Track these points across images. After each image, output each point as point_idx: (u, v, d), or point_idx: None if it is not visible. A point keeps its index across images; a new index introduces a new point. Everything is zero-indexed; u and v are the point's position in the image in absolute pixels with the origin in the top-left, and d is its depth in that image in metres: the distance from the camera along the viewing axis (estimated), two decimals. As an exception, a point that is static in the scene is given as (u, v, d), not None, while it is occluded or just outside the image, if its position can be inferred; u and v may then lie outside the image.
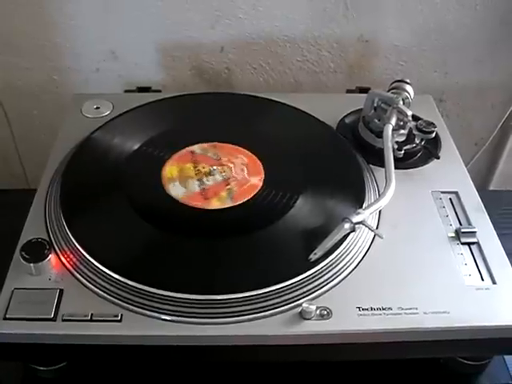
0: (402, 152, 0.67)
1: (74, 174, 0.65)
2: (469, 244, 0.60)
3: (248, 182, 0.65)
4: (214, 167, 0.66)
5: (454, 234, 0.61)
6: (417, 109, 0.70)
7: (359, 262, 0.57)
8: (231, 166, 0.67)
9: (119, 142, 0.69)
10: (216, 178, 0.65)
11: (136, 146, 0.69)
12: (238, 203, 0.62)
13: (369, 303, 0.54)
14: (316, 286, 0.55)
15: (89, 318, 0.52)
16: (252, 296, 0.53)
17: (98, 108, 0.76)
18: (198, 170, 0.66)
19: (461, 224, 0.63)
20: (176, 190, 0.63)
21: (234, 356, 0.55)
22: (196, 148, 0.69)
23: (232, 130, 0.72)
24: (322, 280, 0.55)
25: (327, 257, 0.56)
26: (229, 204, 0.62)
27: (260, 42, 0.90)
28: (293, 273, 0.54)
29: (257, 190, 0.64)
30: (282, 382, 0.60)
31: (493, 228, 0.62)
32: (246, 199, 0.62)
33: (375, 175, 0.67)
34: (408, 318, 0.53)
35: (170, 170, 0.66)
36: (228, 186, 0.64)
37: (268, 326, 0.52)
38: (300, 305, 0.53)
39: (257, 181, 0.65)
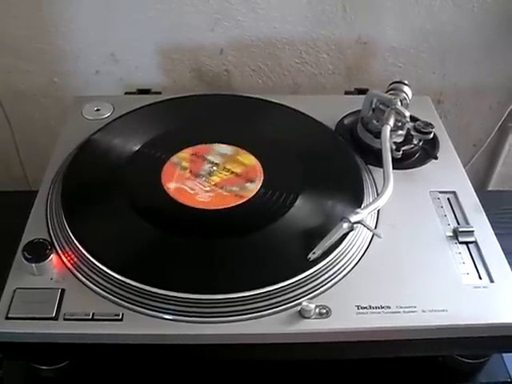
0: (400, 152, 0.68)
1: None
2: (467, 243, 0.61)
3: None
4: (214, 168, 0.67)
5: (451, 234, 0.61)
6: (415, 110, 0.70)
7: (358, 261, 0.58)
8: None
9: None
10: (216, 178, 0.66)
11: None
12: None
13: (367, 302, 0.54)
14: (315, 285, 0.55)
15: (90, 317, 0.52)
16: (252, 295, 0.53)
17: (98, 110, 0.77)
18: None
19: (459, 223, 0.63)
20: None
21: (234, 355, 0.55)
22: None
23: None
24: (321, 279, 0.55)
25: (326, 256, 0.56)
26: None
27: (259, 44, 0.91)
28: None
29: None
30: (282, 380, 0.61)
31: (490, 227, 0.62)
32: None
33: (374, 175, 0.68)
34: (406, 317, 0.53)
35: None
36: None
37: (268, 325, 0.52)
38: (299, 303, 0.53)
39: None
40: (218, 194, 0.63)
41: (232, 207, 0.62)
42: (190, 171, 0.66)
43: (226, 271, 0.56)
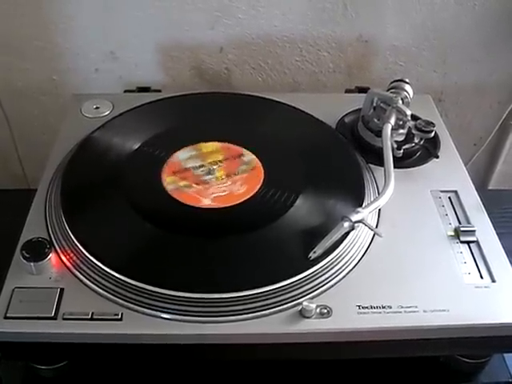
0: (401, 151, 0.68)
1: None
2: (468, 242, 0.60)
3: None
4: (214, 166, 0.67)
5: (453, 233, 0.61)
6: (416, 108, 0.70)
7: (359, 261, 0.58)
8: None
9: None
10: (216, 177, 0.65)
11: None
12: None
13: (368, 301, 0.54)
14: (316, 285, 0.55)
15: (89, 316, 0.52)
16: (252, 295, 0.53)
17: (97, 108, 0.77)
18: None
19: (460, 223, 0.63)
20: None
21: (235, 354, 0.55)
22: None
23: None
24: (321, 278, 0.55)
25: (327, 255, 0.56)
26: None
27: (259, 42, 0.90)
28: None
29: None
30: (283, 380, 0.60)
31: (492, 227, 0.62)
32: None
33: (374, 174, 0.68)
34: (408, 316, 0.53)
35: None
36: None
37: (268, 325, 0.52)
38: (300, 303, 0.53)
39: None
40: (217, 192, 0.63)
41: (232, 206, 0.62)
42: (190, 170, 0.66)
43: (227, 270, 0.56)
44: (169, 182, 0.64)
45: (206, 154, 0.68)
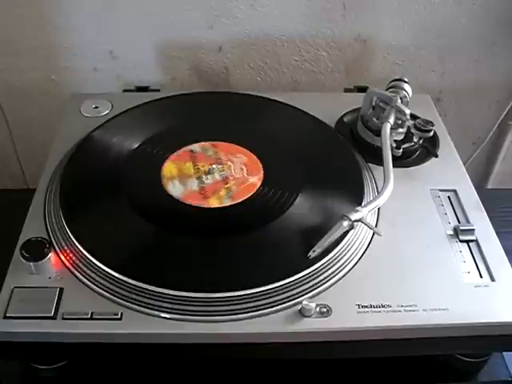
0: (401, 150, 0.68)
1: (73, 173, 0.65)
2: (467, 242, 0.61)
3: (247, 180, 0.65)
4: (213, 166, 0.67)
5: (452, 232, 0.61)
6: (415, 108, 0.70)
7: (358, 260, 0.58)
8: (230, 164, 0.67)
9: (118, 141, 0.70)
10: (215, 176, 0.65)
11: (135, 145, 0.69)
12: (237, 202, 0.62)
13: (368, 300, 0.54)
14: (315, 284, 0.55)
15: (89, 316, 0.52)
16: (252, 293, 0.53)
17: (96, 107, 0.76)
18: (197, 168, 0.66)
19: (459, 222, 0.63)
20: (175, 189, 0.63)
21: (234, 354, 0.55)
22: (195, 147, 0.69)
23: (230, 129, 0.72)
24: (321, 277, 0.55)
25: (326, 254, 0.56)
26: (228, 203, 0.62)
27: (258, 41, 0.90)
28: (292, 270, 0.55)
29: (256, 189, 0.64)
30: (282, 380, 0.60)
31: (491, 226, 0.62)
32: (245, 198, 0.63)
33: (374, 173, 0.68)
34: (407, 315, 0.53)
35: (169, 168, 0.66)
36: (227, 185, 0.64)
37: (268, 324, 0.52)
38: (300, 302, 0.53)
39: (256, 179, 0.65)
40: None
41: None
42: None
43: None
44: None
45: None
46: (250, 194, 0.63)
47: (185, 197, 0.62)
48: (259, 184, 0.64)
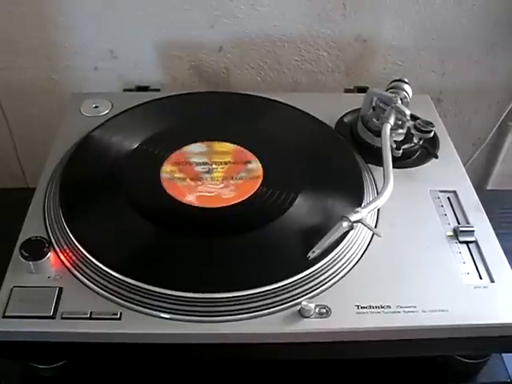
0: (401, 151, 0.68)
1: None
2: (467, 243, 0.60)
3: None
4: (213, 166, 0.67)
5: (452, 233, 0.61)
6: (415, 108, 0.70)
7: (358, 261, 0.58)
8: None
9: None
10: (215, 176, 0.65)
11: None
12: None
13: (367, 301, 0.54)
14: (315, 285, 0.55)
15: (88, 316, 0.52)
16: (251, 294, 0.53)
17: (96, 107, 0.76)
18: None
19: (459, 223, 0.63)
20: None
21: (234, 354, 0.55)
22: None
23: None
24: (320, 278, 0.55)
25: (326, 255, 0.56)
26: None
27: (258, 41, 0.90)
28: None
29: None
30: (282, 380, 0.60)
31: (491, 227, 0.62)
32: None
33: (373, 174, 0.68)
34: (406, 316, 0.53)
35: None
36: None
37: (267, 325, 0.52)
38: (299, 303, 0.53)
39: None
40: (216, 192, 0.63)
41: (231, 206, 0.62)
42: (189, 169, 0.66)
43: (225, 270, 0.56)
44: (168, 180, 0.64)
45: (205, 153, 0.68)
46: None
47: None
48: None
